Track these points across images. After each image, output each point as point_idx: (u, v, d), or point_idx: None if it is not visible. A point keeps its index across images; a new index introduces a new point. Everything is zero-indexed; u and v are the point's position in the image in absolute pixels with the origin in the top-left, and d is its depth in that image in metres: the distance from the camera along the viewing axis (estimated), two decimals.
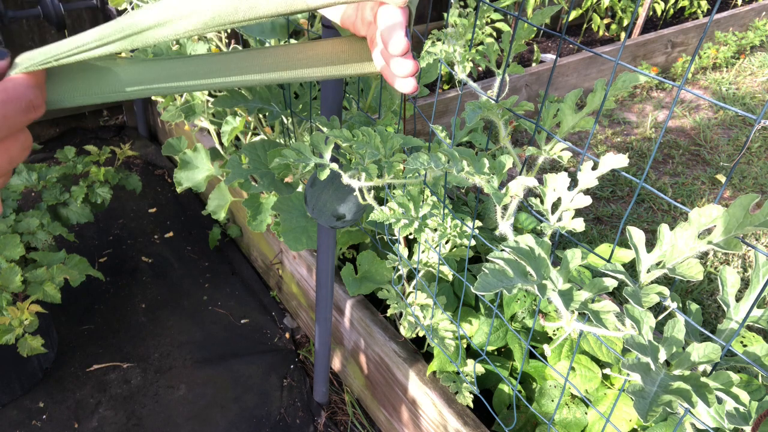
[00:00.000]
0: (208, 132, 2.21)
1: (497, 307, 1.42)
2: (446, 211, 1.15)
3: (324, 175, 1.09)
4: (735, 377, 0.68)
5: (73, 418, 1.69)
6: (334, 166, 1.11)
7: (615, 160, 0.74)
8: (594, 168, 0.78)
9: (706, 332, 0.78)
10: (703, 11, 4.25)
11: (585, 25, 3.92)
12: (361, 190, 1.16)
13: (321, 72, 0.60)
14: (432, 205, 1.14)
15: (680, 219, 2.56)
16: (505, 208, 0.91)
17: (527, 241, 0.77)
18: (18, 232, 1.63)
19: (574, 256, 0.76)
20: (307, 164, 1.10)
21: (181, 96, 1.91)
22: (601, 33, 3.90)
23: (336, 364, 1.87)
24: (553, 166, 2.70)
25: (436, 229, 1.11)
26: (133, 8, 1.96)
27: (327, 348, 1.64)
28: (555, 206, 0.83)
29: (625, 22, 3.84)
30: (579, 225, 0.78)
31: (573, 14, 3.72)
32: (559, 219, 0.81)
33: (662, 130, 0.72)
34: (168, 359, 1.87)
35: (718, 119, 3.35)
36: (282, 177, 1.49)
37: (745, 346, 1.10)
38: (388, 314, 1.55)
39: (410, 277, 1.59)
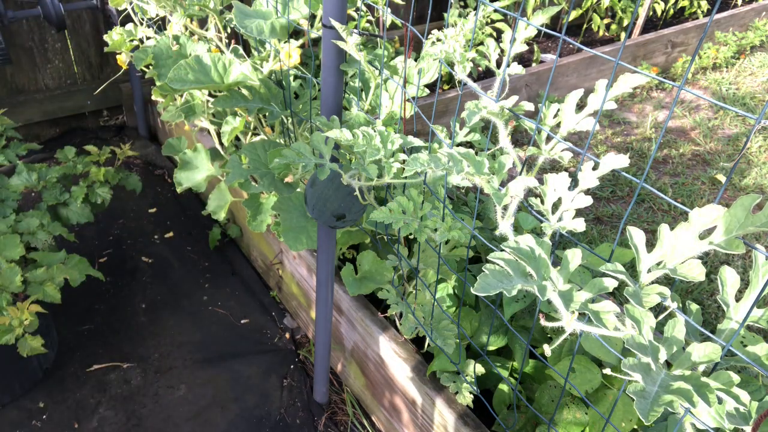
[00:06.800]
0: (208, 132, 2.21)
1: (497, 307, 1.42)
2: (446, 211, 1.15)
3: (324, 175, 1.09)
4: (735, 377, 0.68)
5: (73, 418, 1.69)
6: (334, 166, 1.11)
7: (616, 161, 0.74)
8: (594, 168, 0.78)
9: (706, 332, 0.78)
10: (703, 11, 4.25)
11: (585, 25, 3.92)
12: (361, 190, 1.16)
13: None
14: (432, 205, 1.14)
15: (680, 219, 2.56)
16: (505, 208, 0.91)
17: (527, 241, 0.77)
18: (18, 232, 1.63)
19: (574, 257, 0.76)
20: (307, 164, 1.10)
21: (182, 96, 1.91)
22: (601, 33, 3.90)
23: (336, 364, 1.87)
24: (553, 167, 2.70)
25: (436, 229, 1.11)
26: (133, 8, 1.96)
27: (327, 348, 1.64)
28: (555, 206, 0.83)
29: (625, 22, 3.84)
30: (580, 225, 0.78)
31: (573, 14, 3.72)
32: (560, 219, 0.81)
33: (662, 130, 0.72)
34: (168, 359, 1.87)
35: (718, 119, 3.35)
36: (282, 177, 1.49)
37: (745, 346, 1.09)
38: (388, 314, 1.55)
39: (410, 277, 1.59)
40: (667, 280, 2.09)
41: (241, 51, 1.68)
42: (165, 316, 2.02)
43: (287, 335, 2.00)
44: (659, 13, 4.12)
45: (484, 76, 3.35)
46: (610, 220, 2.55)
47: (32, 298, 1.52)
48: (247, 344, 1.96)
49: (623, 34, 3.93)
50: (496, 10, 2.03)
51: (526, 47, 0.92)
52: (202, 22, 2.26)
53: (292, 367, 1.90)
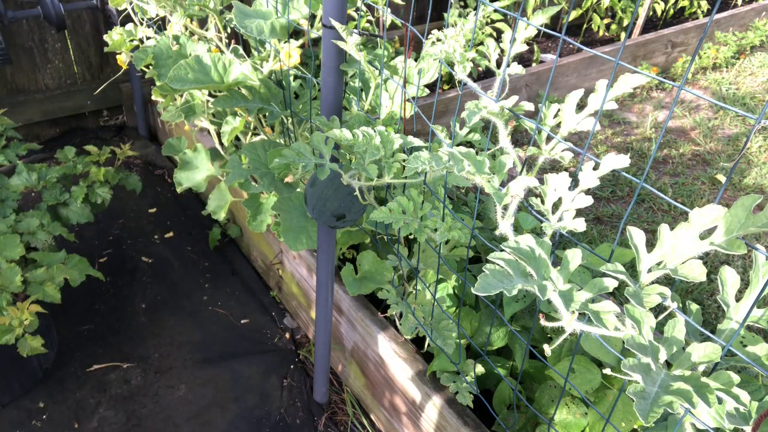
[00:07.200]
0: (208, 132, 2.21)
1: (497, 307, 1.42)
2: (446, 211, 1.15)
3: (324, 175, 1.09)
4: (735, 377, 0.68)
5: (73, 418, 1.69)
6: (335, 166, 1.11)
7: (616, 161, 0.74)
8: (595, 168, 0.78)
9: (706, 332, 0.78)
10: (703, 11, 4.25)
11: (585, 25, 3.92)
12: (361, 190, 1.16)
13: None
14: (432, 205, 1.14)
15: (680, 219, 2.56)
16: (506, 208, 0.91)
17: (527, 241, 0.77)
18: (18, 232, 1.63)
19: (574, 257, 0.76)
20: (307, 164, 1.10)
21: (182, 96, 1.91)
22: (601, 33, 3.90)
23: (336, 364, 1.87)
24: (553, 167, 2.70)
25: (436, 229, 1.11)
26: (133, 8, 1.96)
27: (327, 348, 1.64)
28: (555, 206, 0.83)
29: (625, 22, 3.84)
30: (580, 225, 0.78)
31: (573, 14, 3.72)
32: (560, 219, 0.81)
33: (662, 130, 0.72)
34: (168, 359, 1.87)
35: (718, 119, 3.35)
36: (282, 177, 1.49)
37: (745, 346, 1.10)
38: (388, 314, 1.55)
39: (410, 277, 1.59)
40: (667, 280, 2.09)
41: (241, 51, 1.68)
42: (165, 316, 2.02)
43: (287, 335, 2.00)
44: (659, 13, 4.12)
45: (484, 76, 3.35)
46: (610, 220, 2.55)
47: (32, 298, 1.52)
48: (247, 344, 1.96)
49: (623, 34, 3.93)
50: (496, 10, 2.03)
51: (526, 47, 0.92)
52: (202, 22, 2.26)
53: (292, 367, 1.90)
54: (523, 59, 3.64)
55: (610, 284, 0.74)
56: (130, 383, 1.80)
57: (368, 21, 2.46)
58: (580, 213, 2.00)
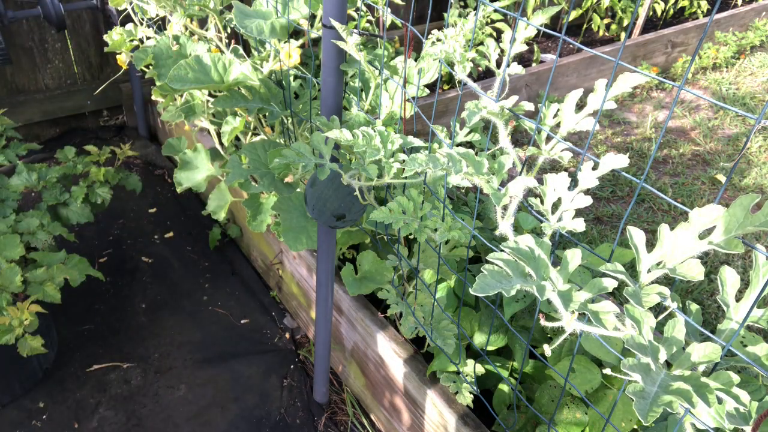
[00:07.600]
0: (208, 132, 2.21)
1: (497, 307, 1.42)
2: (446, 211, 1.15)
3: (324, 175, 1.09)
4: (735, 377, 0.68)
5: (73, 418, 1.69)
6: (335, 166, 1.11)
7: (616, 161, 0.74)
8: (594, 168, 0.78)
9: (706, 332, 0.78)
10: (703, 11, 4.24)
11: (585, 25, 3.92)
12: (361, 190, 1.16)
13: None
14: (432, 205, 1.14)
15: (680, 219, 2.55)
16: (505, 208, 0.91)
17: (527, 241, 0.77)
18: (18, 232, 1.63)
19: (573, 257, 0.76)
20: (307, 164, 1.10)
21: (182, 96, 1.91)
22: (601, 33, 3.89)
23: (336, 364, 1.87)
24: (553, 167, 2.70)
25: (436, 229, 1.11)
26: (133, 8, 1.96)
27: (327, 348, 1.64)
28: (555, 206, 0.83)
29: (625, 22, 3.84)
30: (580, 225, 0.78)
31: (573, 14, 3.71)
32: (560, 219, 0.81)
33: (662, 130, 0.72)
34: (168, 359, 1.87)
35: (718, 119, 3.35)
36: (282, 177, 1.49)
37: (745, 346, 1.09)
38: (388, 314, 1.55)
39: (410, 277, 1.59)
40: (667, 280, 2.09)
41: (241, 51, 1.68)
42: (165, 316, 2.02)
43: (287, 335, 2.00)
44: (659, 13, 4.12)
45: (484, 76, 3.35)
46: (610, 220, 2.55)
47: (32, 298, 1.52)
48: (247, 344, 1.96)
49: (623, 34, 3.93)
50: (496, 10, 2.03)
51: (526, 47, 0.92)
52: (202, 22, 2.26)
53: (292, 367, 1.90)
54: (523, 59, 3.64)
55: (610, 284, 0.74)
56: (130, 383, 1.80)
57: (368, 21, 2.46)
58: (579, 213, 2.00)
